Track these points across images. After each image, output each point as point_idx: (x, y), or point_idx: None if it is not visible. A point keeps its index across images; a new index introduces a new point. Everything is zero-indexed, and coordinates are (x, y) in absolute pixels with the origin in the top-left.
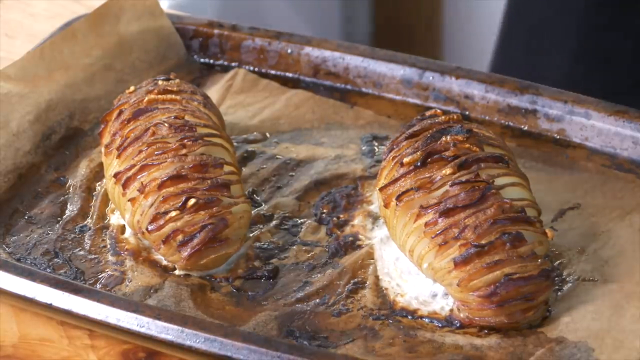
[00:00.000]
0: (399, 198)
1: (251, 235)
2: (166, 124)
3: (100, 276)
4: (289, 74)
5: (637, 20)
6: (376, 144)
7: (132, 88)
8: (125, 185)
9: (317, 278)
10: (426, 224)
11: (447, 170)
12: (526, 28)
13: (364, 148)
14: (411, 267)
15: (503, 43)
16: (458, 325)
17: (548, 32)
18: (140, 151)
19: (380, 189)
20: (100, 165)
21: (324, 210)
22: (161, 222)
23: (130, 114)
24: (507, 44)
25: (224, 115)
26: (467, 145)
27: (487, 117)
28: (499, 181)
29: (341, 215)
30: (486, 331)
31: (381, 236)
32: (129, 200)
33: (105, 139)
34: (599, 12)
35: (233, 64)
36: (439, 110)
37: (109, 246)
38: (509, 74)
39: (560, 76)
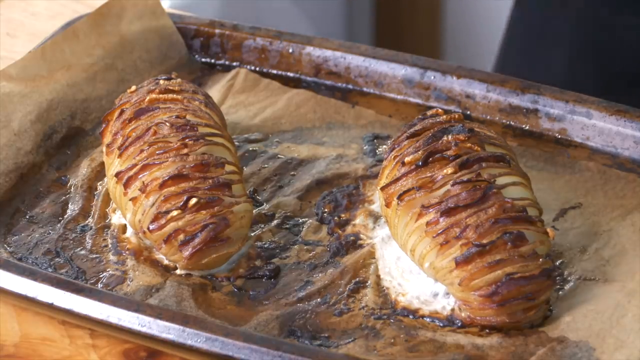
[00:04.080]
0: (400, 197)
1: (252, 234)
2: (168, 124)
3: (101, 276)
4: (290, 74)
5: (632, 19)
6: (377, 143)
7: (133, 87)
8: (126, 185)
9: (318, 277)
10: (427, 224)
11: (449, 170)
12: (526, 31)
13: (365, 147)
14: (412, 266)
15: (505, 46)
16: (459, 324)
17: (546, 35)
18: (142, 150)
19: (382, 189)
20: (102, 164)
21: (326, 210)
22: (162, 221)
23: (132, 113)
24: (508, 46)
25: (225, 114)
26: (469, 145)
27: (488, 117)
28: (501, 180)
29: (342, 215)
30: (487, 331)
31: (382, 235)
32: (130, 200)
33: (107, 139)
34: (595, 13)
35: (234, 63)
36: (440, 110)
37: (110, 246)
38: (509, 74)
39: (559, 78)
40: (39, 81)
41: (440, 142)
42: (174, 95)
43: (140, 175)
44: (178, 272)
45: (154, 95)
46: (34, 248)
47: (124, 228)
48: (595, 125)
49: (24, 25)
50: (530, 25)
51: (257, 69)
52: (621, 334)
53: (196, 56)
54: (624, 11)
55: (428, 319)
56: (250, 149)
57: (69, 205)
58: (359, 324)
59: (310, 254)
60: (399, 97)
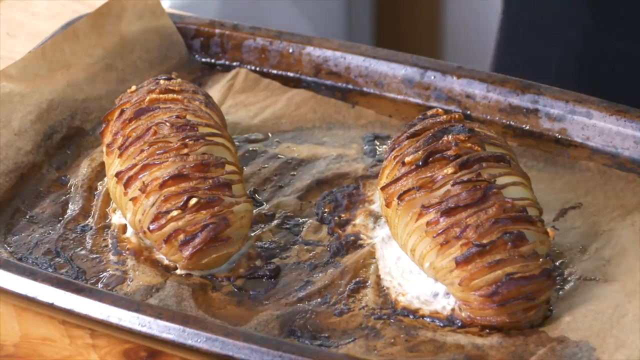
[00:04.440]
0: (400, 197)
1: (253, 234)
2: (168, 124)
3: (101, 275)
4: (291, 74)
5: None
6: (378, 143)
7: (133, 87)
8: (126, 185)
9: (318, 277)
10: (428, 224)
11: (449, 170)
12: (521, 32)
13: (365, 147)
14: (413, 266)
15: (499, 46)
16: (459, 324)
17: (540, 38)
18: (142, 150)
19: (382, 188)
20: (102, 164)
21: (326, 210)
22: (162, 221)
23: (132, 113)
24: (503, 47)
25: (225, 114)
26: (469, 145)
27: (488, 117)
28: (501, 180)
29: (343, 215)
30: (488, 330)
31: (383, 235)
32: (130, 200)
33: (107, 139)
34: (590, 15)
35: (234, 63)
36: (440, 110)
37: (110, 246)
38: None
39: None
40: (39, 81)
41: (440, 142)
42: (174, 95)
43: (141, 175)
44: (178, 272)
45: (154, 95)
46: (34, 248)
47: (124, 228)
48: (596, 125)
49: (24, 25)
50: (519, 32)
51: (257, 69)
52: (621, 334)
53: (196, 56)
54: (608, 24)
55: (428, 319)
56: (250, 149)
57: (69, 205)
58: (359, 324)
59: (311, 254)
60: (399, 97)
